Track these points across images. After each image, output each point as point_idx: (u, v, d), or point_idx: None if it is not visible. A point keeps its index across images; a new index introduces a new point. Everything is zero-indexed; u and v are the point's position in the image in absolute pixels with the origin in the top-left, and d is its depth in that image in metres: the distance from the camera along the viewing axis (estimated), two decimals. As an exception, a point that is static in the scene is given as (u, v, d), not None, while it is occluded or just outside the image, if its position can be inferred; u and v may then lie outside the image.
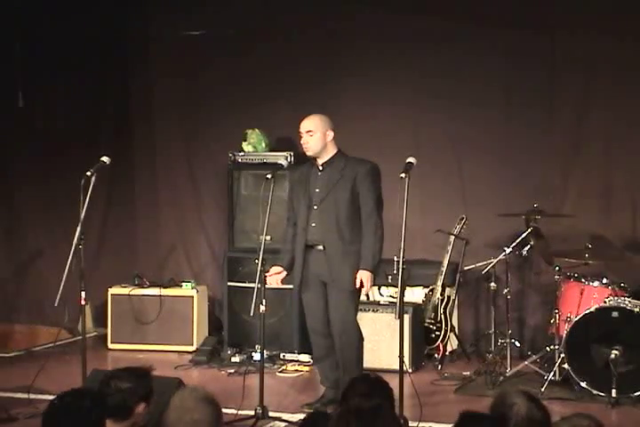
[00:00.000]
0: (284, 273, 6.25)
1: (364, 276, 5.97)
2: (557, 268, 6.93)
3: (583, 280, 6.82)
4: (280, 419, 5.92)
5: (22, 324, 8.43)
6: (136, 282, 8.19)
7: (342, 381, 5.89)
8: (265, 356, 6.32)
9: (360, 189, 6.04)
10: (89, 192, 5.92)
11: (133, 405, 4.07)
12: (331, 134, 6.14)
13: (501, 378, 6.77)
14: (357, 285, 5.98)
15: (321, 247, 6.11)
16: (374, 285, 7.27)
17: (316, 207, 6.13)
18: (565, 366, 6.51)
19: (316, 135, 6.11)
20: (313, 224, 6.12)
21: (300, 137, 6.18)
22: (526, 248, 7.01)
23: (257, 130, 7.99)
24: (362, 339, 6.18)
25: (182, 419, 3.56)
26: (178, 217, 8.75)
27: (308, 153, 6.18)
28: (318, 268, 6.12)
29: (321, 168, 6.18)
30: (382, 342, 7.07)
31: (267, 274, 6.16)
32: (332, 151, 6.17)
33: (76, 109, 8.50)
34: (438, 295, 7.52)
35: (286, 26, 8.23)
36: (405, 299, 5.76)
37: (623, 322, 6.41)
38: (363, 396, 3.82)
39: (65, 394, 3.62)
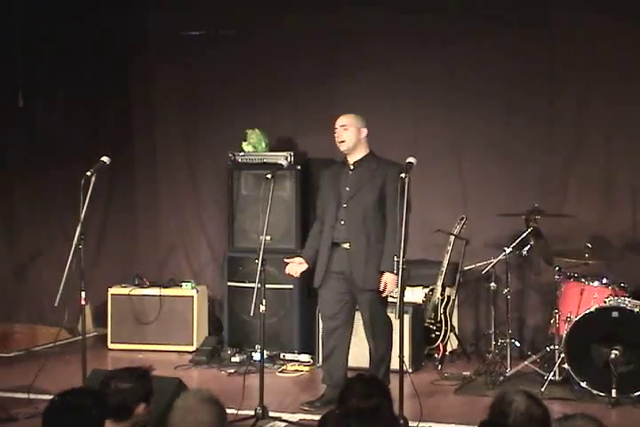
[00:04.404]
0: (306, 266, 6.31)
1: (387, 278, 6.01)
2: (557, 268, 6.93)
3: (583, 280, 6.82)
4: (280, 419, 5.91)
5: (22, 324, 8.42)
6: (136, 282, 8.19)
7: (374, 363, 6.28)
8: (265, 356, 6.31)
9: (388, 191, 6.06)
10: (89, 192, 5.91)
11: (133, 405, 4.07)
12: (364, 131, 6.24)
13: (501, 378, 6.77)
14: (382, 287, 6.03)
15: (347, 245, 6.17)
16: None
17: (345, 206, 6.19)
18: (565, 366, 6.51)
19: (350, 130, 6.21)
20: (342, 222, 6.19)
21: (335, 133, 6.25)
22: (526, 248, 7.01)
23: (257, 130, 7.99)
24: (392, 327, 6.25)
25: (186, 420, 3.55)
26: (178, 217, 8.75)
27: (342, 148, 6.25)
28: (341, 266, 6.18)
29: (352, 167, 6.25)
30: (382, 342, 7.07)
31: (287, 260, 6.31)
32: (364, 151, 6.25)
33: (76, 109, 8.50)
34: (438, 295, 7.52)
35: (286, 26, 8.23)
36: (405, 299, 5.75)
37: (623, 322, 6.41)
38: (361, 396, 3.81)
39: (66, 392, 3.62)
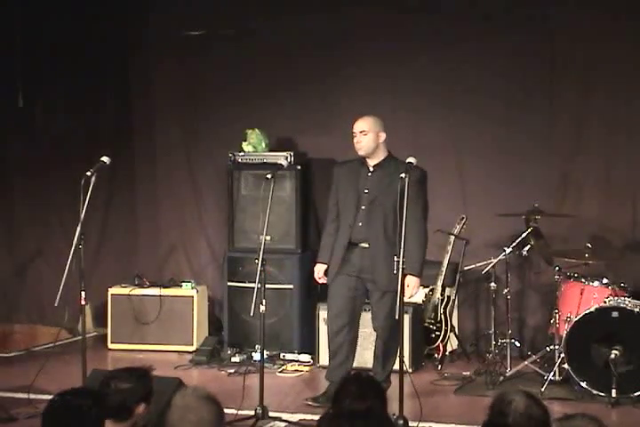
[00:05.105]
0: (325, 266, 6.37)
1: (410, 281, 6.00)
2: (557, 268, 6.93)
3: (583, 280, 6.82)
4: (280, 419, 5.92)
5: (22, 324, 8.43)
6: (136, 282, 8.18)
7: (379, 362, 6.30)
8: (265, 356, 6.32)
9: (408, 194, 6.04)
10: (89, 192, 5.91)
11: (133, 405, 4.07)
12: (383, 136, 6.26)
13: (501, 378, 6.77)
14: (408, 291, 5.99)
15: (365, 245, 6.19)
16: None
17: (363, 208, 6.22)
18: (565, 366, 6.51)
19: (369, 135, 6.23)
20: (360, 224, 6.21)
21: (354, 137, 6.25)
22: (526, 248, 7.01)
23: (257, 130, 7.99)
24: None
25: (185, 418, 3.55)
26: (178, 217, 8.74)
27: (361, 153, 6.27)
28: (356, 265, 6.20)
29: (372, 169, 6.26)
30: (382, 342, 7.07)
31: (317, 277, 6.38)
32: (383, 154, 6.28)
33: (76, 109, 8.50)
34: (438, 295, 7.52)
35: (286, 26, 8.22)
36: (405, 299, 5.76)
37: (623, 322, 6.41)
38: (354, 397, 3.80)
39: (65, 392, 3.63)
